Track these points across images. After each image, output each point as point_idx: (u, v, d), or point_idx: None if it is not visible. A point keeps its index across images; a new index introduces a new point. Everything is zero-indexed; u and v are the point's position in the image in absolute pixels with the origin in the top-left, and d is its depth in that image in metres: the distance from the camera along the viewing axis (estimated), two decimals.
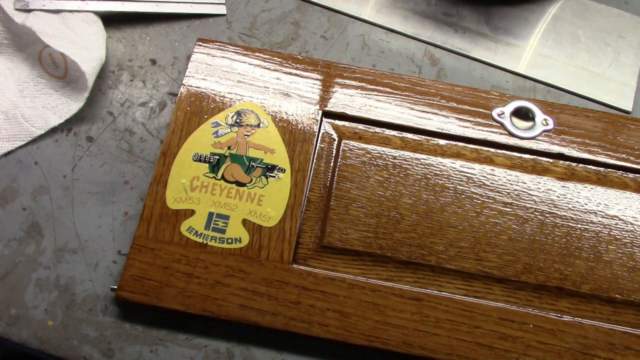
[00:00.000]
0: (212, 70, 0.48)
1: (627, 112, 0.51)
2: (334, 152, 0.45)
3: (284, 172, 0.44)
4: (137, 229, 0.42)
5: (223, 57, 0.48)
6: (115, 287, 0.41)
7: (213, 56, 0.48)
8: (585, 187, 0.45)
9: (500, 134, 0.47)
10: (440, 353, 0.40)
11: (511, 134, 0.47)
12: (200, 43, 0.49)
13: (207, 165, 0.44)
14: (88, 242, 0.44)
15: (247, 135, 0.45)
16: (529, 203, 0.44)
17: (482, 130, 0.47)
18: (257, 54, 0.49)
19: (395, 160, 0.45)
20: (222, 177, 0.44)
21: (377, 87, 0.48)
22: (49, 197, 0.45)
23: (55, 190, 0.45)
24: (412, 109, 0.47)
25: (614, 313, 0.42)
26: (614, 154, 0.47)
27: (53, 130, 0.47)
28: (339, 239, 0.42)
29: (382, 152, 0.45)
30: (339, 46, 0.52)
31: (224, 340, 0.41)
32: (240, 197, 0.43)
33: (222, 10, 0.53)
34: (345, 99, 0.47)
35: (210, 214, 0.43)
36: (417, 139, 0.47)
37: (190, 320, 0.41)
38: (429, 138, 0.47)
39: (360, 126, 0.47)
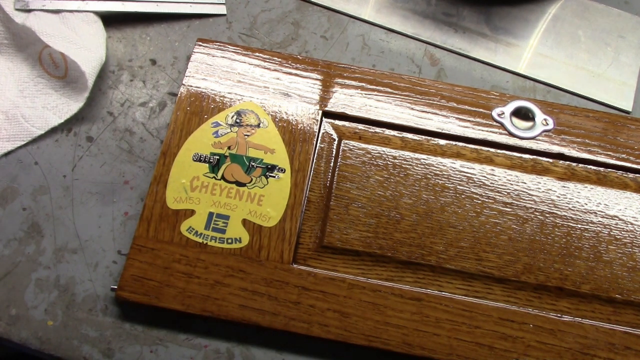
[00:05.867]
0: (212, 70, 0.48)
1: (627, 112, 0.51)
2: (334, 152, 0.45)
3: (284, 172, 0.44)
4: (137, 229, 0.42)
5: (223, 57, 0.48)
6: (115, 287, 0.41)
7: (213, 56, 0.48)
8: (585, 187, 0.45)
9: (500, 134, 0.47)
10: (440, 353, 0.40)
11: (511, 134, 0.47)
12: (200, 43, 0.49)
13: (207, 165, 0.44)
14: (88, 242, 0.44)
15: (247, 135, 0.45)
16: (529, 203, 0.44)
17: (482, 130, 0.47)
18: (257, 54, 0.49)
19: (395, 160, 0.45)
20: (222, 177, 0.44)
21: (377, 87, 0.48)
22: (49, 197, 0.45)
23: (55, 190, 0.45)
24: (412, 109, 0.47)
25: (614, 313, 0.42)
26: (614, 154, 0.47)
27: (53, 130, 0.47)
28: (339, 239, 0.42)
29: (382, 152, 0.45)
30: (339, 46, 0.52)
31: (224, 340, 0.41)
32: (240, 197, 0.43)
33: (222, 10, 0.53)
34: (345, 99, 0.47)
35: (210, 214, 0.43)
36: (417, 139, 0.47)
37: (190, 320, 0.41)
38: (429, 138, 0.47)
39: (360, 126, 0.47)
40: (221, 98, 0.46)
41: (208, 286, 0.40)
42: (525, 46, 0.53)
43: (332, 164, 0.45)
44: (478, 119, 0.47)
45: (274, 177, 0.44)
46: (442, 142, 0.47)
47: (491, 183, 0.45)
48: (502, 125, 0.47)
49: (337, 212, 0.43)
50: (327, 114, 0.47)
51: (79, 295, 0.42)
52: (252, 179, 0.44)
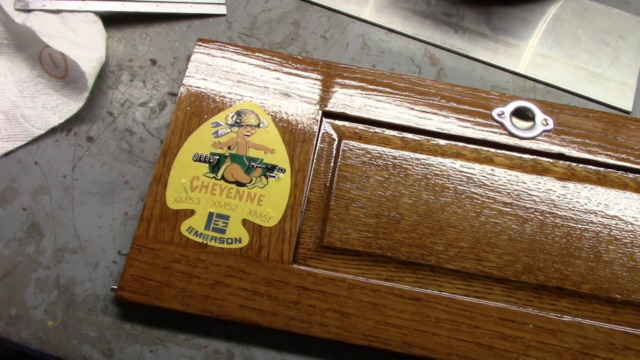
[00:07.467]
0: (212, 70, 0.48)
1: (627, 112, 0.51)
2: (334, 152, 0.45)
3: (284, 172, 0.44)
4: (137, 229, 0.42)
5: (223, 57, 0.48)
6: (115, 287, 0.41)
7: (213, 56, 0.48)
8: (585, 187, 0.45)
9: (500, 134, 0.47)
10: (440, 353, 0.40)
11: (511, 134, 0.47)
12: (200, 43, 0.49)
13: (207, 165, 0.44)
14: (88, 242, 0.44)
15: (247, 135, 0.45)
16: (529, 203, 0.44)
17: (482, 130, 0.47)
18: (257, 54, 0.49)
19: (395, 160, 0.45)
20: (222, 177, 0.44)
21: (377, 87, 0.48)
22: (49, 197, 0.45)
23: (55, 190, 0.45)
24: (412, 109, 0.47)
25: (614, 313, 0.42)
26: (614, 154, 0.47)
27: (53, 130, 0.47)
28: (339, 239, 0.42)
29: (382, 152, 0.45)
30: (339, 46, 0.52)
31: (224, 340, 0.41)
32: (240, 197, 0.43)
33: (222, 10, 0.53)
34: (345, 99, 0.47)
35: (210, 214, 0.43)
36: (417, 139, 0.47)
37: (190, 320, 0.41)
38: (429, 138, 0.47)
39: (360, 126, 0.47)
40: (221, 98, 0.46)
41: (208, 286, 0.40)
42: (525, 46, 0.53)
43: (332, 164, 0.45)
44: (478, 119, 0.47)
45: (274, 177, 0.44)
46: (442, 142, 0.47)
47: (491, 183, 0.45)
48: (502, 125, 0.47)
49: (337, 212, 0.43)
50: (327, 114, 0.47)
51: (79, 295, 0.42)
52: (252, 179, 0.44)
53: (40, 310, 0.41)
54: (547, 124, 0.47)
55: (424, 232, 0.43)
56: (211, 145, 0.45)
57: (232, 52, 0.48)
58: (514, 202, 0.44)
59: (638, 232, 0.44)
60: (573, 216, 0.44)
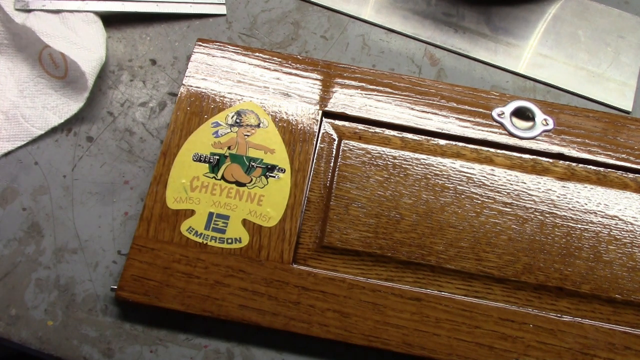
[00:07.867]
0: (212, 70, 0.48)
1: (627, 112, 0.51)
2: (334, 152, 0.45)
3: (284, 172, 0.44)
4: (137, 229, 0.42)
5: (223, 57, 0.48)
6: (115, 287, 0.41)
7: (213, 56, 0.48)
8: (585, 187, 0.45)
9: (500, 134, 0.47)
10: (440, 353, 0.40)
11: (511, 134, 0.47)
12: (200, 43, 0.49)
13: (207, 165, 0.44)
14: (88, 242, 0.44)
15: (247, 135, 0.45)
16: (529, 203, 0.44)
17: (482, 130, 0.47)
18: (257, 54, 0.49)
19: (395, 160, 0.45)
20: (222, 177, 0.44)
21: (377, 87, 0.48)
22: (49, 197, 0.45)
23: (55, 190, 0.45)
24: (412, 109, 0.47)
25: (614, 313, 0.42)
26: (614, 154, 0.47)
27: (53, 130, 0.47)
28: (339, 239, 0.42)
29: (382, 152, 0.45)
30: (339, 46, 0.52)
31: (224, 340, 0.41)
32: (240, 197, 0.43)
33: (222, 10, 0.53)
34: (345, 99, 0.47)
35: (210, 214, 0.43)
36: (417, 139, 0.47)
37: (190, 320, 0.41)
38: (429, 138, 0.47)
39: (360, 126, 0.47)
40: (221, 98, 0.46)
41: (208, 286, 0.40)
42: (525, 46, 0.53)
43: (332, 164, 0.45)
44: (478, 119, 0.47)
45: (274, 177, 0.44)
46: (442, 142, 0.47)
47: (491, 183, 0.45)
48: (502, 125, 0.47)
49: (337, 212, 0.43)
50: (327, 114, 0.47)
51: (79, 295, 0.42)
52: (252, 179, 0.44)
53: (40, 310, 0.41)
54: (547, 124, 0.47)
55: (424, 232, 0.43)
56: (211, 145, 0.45)
57: (232, 52, 0.48)
58: (513, 202, 0.44)
59: (638, 232, 0.44)
60: (573, 216, 0.44)
